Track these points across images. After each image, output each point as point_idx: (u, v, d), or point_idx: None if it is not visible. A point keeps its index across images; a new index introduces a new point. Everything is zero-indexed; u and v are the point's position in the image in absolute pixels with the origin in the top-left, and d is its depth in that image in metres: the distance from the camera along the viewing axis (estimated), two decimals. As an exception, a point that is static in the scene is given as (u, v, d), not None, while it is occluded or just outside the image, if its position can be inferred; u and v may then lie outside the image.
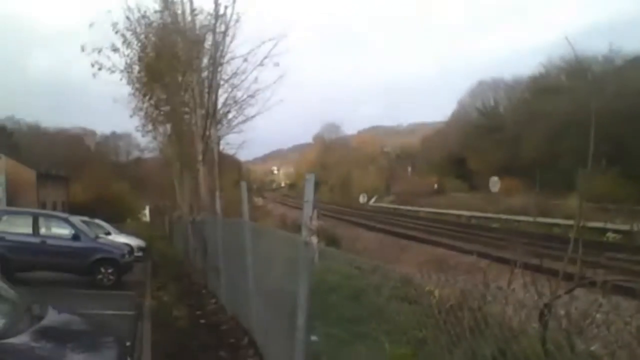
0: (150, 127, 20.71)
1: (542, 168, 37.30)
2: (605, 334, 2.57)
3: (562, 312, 2.71)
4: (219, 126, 18.54)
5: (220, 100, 18.01)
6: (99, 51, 16.41)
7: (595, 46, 56.40)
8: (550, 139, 44.69)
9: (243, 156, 52.37)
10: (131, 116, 19.49)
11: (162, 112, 19.22)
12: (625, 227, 20.15)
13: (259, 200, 56.53)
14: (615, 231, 21.28)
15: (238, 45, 16.89)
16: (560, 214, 26.65)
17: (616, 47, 49.81)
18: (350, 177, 79.94)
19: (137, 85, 18.50)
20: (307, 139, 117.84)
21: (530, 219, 26.84)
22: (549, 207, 29.45)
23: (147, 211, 52.20)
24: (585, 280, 2.86)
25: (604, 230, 21.73)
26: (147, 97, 18.80)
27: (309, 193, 4.80)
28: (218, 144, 19.07)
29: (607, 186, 30.98)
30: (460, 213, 39.37)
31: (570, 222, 24.20)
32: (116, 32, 16.84)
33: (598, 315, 2.60)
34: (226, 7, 15.69)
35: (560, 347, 2.66)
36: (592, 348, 3.17)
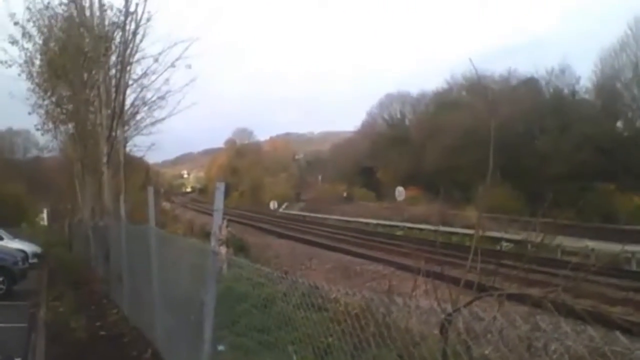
0: (50, 125, 19.59)
1: (443, 179, 39.33)
2: (499, 339, 2.73)
3: (461, 323, 2.85)
4: (126, 127, 17.89)
5: (129, 101, 17.41)
6: None
7: (492, 66, 60.36)
8: (451, 151, 47.13)
9: (152, 158, 50.69)
10: (30, 113, 18.33)
11: (64, 111, 18.22)
12: (517, 237, 21.55)
13: (166, 205, 54.89)
14: (508, 240, 22.70)
15: (149, 45, 16.42)
16: (459, 224, 28.10)
17: (512, 69, 53.61)
18: (261, 183, 79.62)
19: (37, 81, 17.49)
20: (219, 143, 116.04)
21: (432, 227, 28.08)
22: (449, 216, 30.99)
23: (45, 214, 48.97)
24: (483, 294, 3.04)
25: (497, 240, 23.12)
26: (48, 94, 17.80)
27: (218, 202, 4.77)
28: (124, 145, 18.40)
29: (501, 198, 33.24)
30: (368, 221, 40.39)
31: (467, 231, 25.63)
32: (15, 24, 15.82)
33: (496, 322, 2.75)
34: (137, 5, 15.15)
35: (457, 355, 2.82)
36: (486, 352, 3.39)
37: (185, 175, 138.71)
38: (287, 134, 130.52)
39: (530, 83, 50.70)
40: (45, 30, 16.72)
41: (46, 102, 18.23)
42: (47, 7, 16.22)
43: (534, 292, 3.04)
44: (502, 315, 2.67)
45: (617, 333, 2.03)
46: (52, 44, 16.98)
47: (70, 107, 17.86)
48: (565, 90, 49.39)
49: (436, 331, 3.07)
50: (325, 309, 4.16)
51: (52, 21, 16.76)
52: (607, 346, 1.99)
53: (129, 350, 7.58)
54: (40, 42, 16.81)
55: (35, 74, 17.44)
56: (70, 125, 19.13)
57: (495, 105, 41.16)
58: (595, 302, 11.15)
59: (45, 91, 17.93)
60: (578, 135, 41.73)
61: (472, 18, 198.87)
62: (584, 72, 51.96)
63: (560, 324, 2.37)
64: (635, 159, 37.81)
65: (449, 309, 2.84)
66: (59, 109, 18.45)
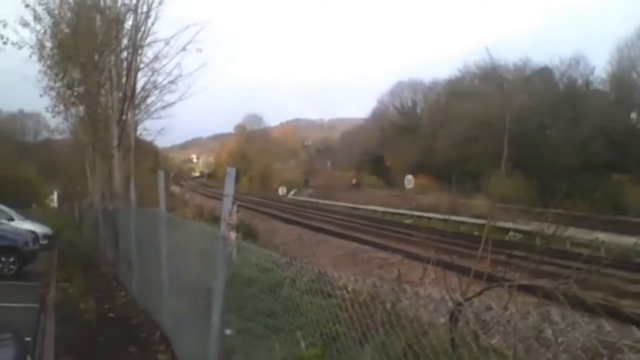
0: (61, 107, 19.63)
1: (453, 169, 39.15)
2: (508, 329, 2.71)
3: (471, 313, 2.84)
4: (136, 111, 17.92)
5: (140, 84, 17.43)
6: (4, 25, 15.37)
7: (505, 55, 59.67)
8: (462, 141, 46.84)
9: (161, 142, 51.04)
10: (41, 96, 18.37)
11: (75, 93, 18.25)
12: (526, 228, 21.48)
13: (175, 189, 55.16)
14: (517, 231, 22.63)
15: (161, 28, 16.42)
16: (467, 213, 28.01)
17: (525, 58, 53.00)
18: (270, 168, 79.73)
19: (48, 63, 17.49)
20: (229, 128, 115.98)
21: (440, 216, 28.02)
22: (457, 206, 30.87)
23: (55, 197, 49.31)
24: (494, 284, 3.02)
25: (506, 230, 23.07)
26: (60, 76, 17.82)
27: (229, 187, 4.74)
28: (135, 129, 18.45)
29: (512, 188, 33.06)
30: (376, 209, 40.35)
31: (476, 220, 25.56)
32: (26, 6, 15.82)
33: (506, 312, 2.73)
34: (149, -12, 15.09)
35: (466, 343, 2.81)
36: (493, 342, 3.37)
37: (195, 160, 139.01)
38: (297, 120, 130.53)
39: (544, 73, 50.15)
40: (55, 12, 16.71)
41: (57, 84, 18.25)
42: None
43: (545, 283, 3.00)
44: (512, 305, 2.64)
45: (634, 328, 2.00)
46: (62, 27, 16.97)
47: (81, 89, 17.88)
48: (580, 81, 48.84)
49: (443, 320, 3.05)
50: (334, 296, 4.14)
51: (63, 3, 16.74)
52: (620, 339, 1.96)
53: (138, 332, 7.64)
54: (51, 24, 16.79)
55: (46, 56, 17.45)
56: (81, 108, 19.15)
57: (510, 95, 40.81)
58: (605, 295, 11.09)
59: (57, 73, 17.94)
60: (591, 126, 41.31)
61: (487, 6, 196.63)
62: (599, 63, 51.27)
63: (570, 315, 2.34)
64: (649, 151, 37.43)
65: (459, 298, 2.82)
66: (69, 92, 18.46)
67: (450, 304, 2.81)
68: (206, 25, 16.34)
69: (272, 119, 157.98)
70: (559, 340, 2.51)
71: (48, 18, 16.54)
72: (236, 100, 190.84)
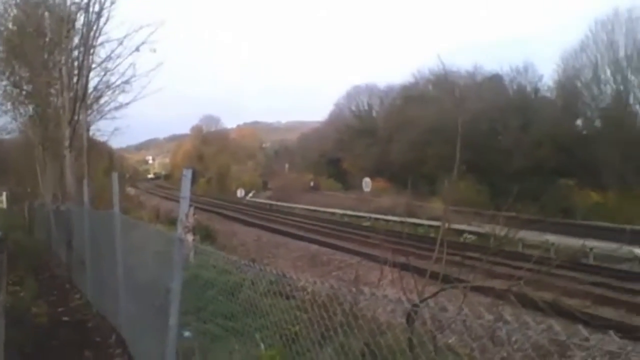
0: (9, 106, 18.94)
1: (409, 172, 39.75)
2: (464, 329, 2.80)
3: (427, 314, 2.91)
4: (89, 111, 17.48)
5: (92, 84, 16.98)
6: None
7: (460, 61, 60.63)
8: (417, 145, 47.57)
9: (116, 143, 49.81)
10: (-13, 94, 17.71)
11: (23, 92, 17.66)
12: (480, 230, 22.03)
13: (131, 190, 53.95)
14: (471, 232, 23.19)
15: (113, 28, 16.01)
16: (424, 215, 28.50)
17: (478, 65, 54.31)
18: (228, 170, 79.01)
19: (-7, 60, 16.90)
20: (185, 129, 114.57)
21: (397, 218, 28.41)
22: (414, 208, 31.38)
23: (4, 197, 47.47)
24: (448, 285, 3.10)
25: (461, 232, 23.60)
26: (6, 74, 17.22)
27: (185, 189, 4.72)
28: (88, 129, 17.99)
29: (466, 191, 33.85)
30: (334, 211, 40.56)
31: (433, 222, 26.06)
32: None
33: (461, 313, 2.82)
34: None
35: (423, 344, 2.89)
36: (450, 341, 3.47)
37: (150, 161, 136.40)
38: (255, 123, 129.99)
39: (495, 79, 51.40)
40: (1, 8, 16.19)
41: (4, 82, 17.67)
42: None
43: (498, 284, 3.12)
44: (467, 305, 2.74)
45: (580, 327, 2.11)
46: (9, 24, 16.42)
47: (29, 88, 17.34)
48: (528, 88, 50.33)
49: (402, 320, 3.13)
50: (293, 297, 4.18)
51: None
52: (568, 337, 2.07)
53: (93, 336, 7.49)
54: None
55: (-8, 54, 16.89)
56: (30, 107, 18.56)
57: (462, 101, 41.75)
58: (555, 295, 11.49)
59: (2, 72, 17.37)
60: (539, 132, 42.63)
61: (445, 13, 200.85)
62: (547, 71, 52.96)
63: (522, 315, 2.45)
64: (593, 157, 38.85)
65: (416, 299, 2.90)
66: (17, 90, 17.87)
67: (406, 304, 2.88)
68: (160, 26, 15.98)
69: (230, 121, 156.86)
70: (513, 339, 2.62)
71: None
72: (194, 102, 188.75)
